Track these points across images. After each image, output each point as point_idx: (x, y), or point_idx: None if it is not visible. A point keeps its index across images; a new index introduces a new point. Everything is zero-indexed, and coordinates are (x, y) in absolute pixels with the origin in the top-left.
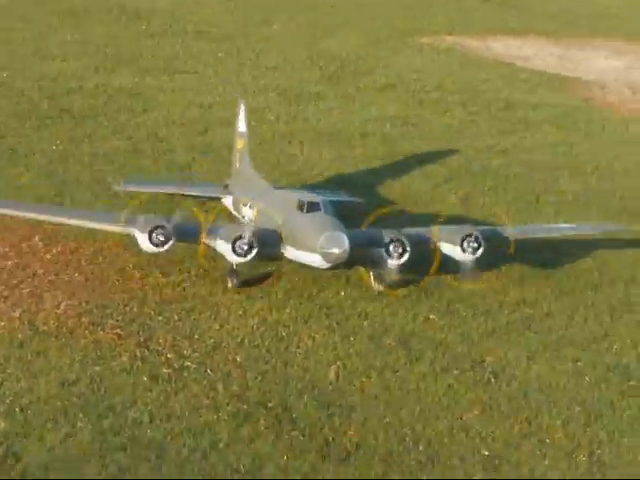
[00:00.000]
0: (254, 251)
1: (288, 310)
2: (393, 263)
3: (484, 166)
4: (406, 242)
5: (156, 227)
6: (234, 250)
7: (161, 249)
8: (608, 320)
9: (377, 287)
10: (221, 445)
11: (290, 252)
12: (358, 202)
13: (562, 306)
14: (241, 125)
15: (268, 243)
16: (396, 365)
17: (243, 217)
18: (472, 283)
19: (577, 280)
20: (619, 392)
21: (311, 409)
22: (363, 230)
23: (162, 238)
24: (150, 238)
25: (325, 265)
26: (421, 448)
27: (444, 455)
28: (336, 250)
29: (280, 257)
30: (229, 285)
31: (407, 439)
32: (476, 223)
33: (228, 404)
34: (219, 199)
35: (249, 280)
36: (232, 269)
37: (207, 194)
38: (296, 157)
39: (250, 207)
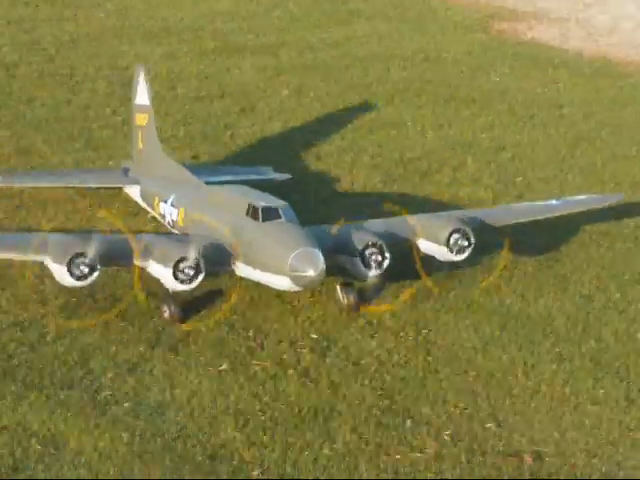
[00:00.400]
0: (200, 276)
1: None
2: (371, 273)
3: (316, 58)
4: (385, 247)
5: (76, 255)
6: (176, 276)
7: (84, 282)
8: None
9: (346, 301)
10: (49, 338)
11: (245, 271)
12: (288, 178)
13: (390, 191)
14: (141, 97)
15: (217, 262)
16: None
17: (162, 216)
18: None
19: (406, 168)
20: (444, 273)
21: (142, 300)
22: (328, 231)
23: (86, 269)
24: (70, 270)
25: (295, 288)
26: (250, 333)
27: (274, 340)
28: (311, 272)
29: (230, 273)
30: (165, 315)
31: (237, 325)
32: (442, 205)
33: (56, 297)
34: (120, 188)
35: (191, 307)
36: (168, 295)
37: (106, 184)
38: (126, 53)
39: (173, 206)
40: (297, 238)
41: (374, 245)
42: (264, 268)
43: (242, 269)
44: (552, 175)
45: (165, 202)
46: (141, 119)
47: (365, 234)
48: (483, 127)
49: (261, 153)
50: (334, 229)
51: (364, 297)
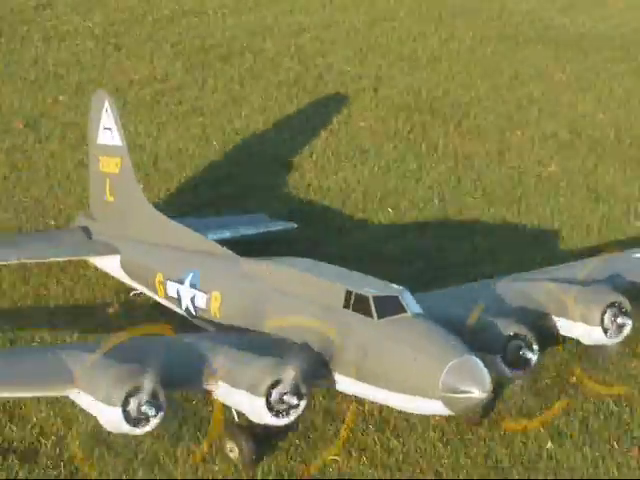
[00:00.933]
0: (303, 404)
1: None
2: (515, 374)
3: None
4: (533, 339)
5: (134, 389)
6: (270, 407)
7: (146, 429)
8: (237, 88)
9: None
10: None
11: (356, 389)
12: (293, 228)
13: (192, 78)
14: (108, 134)
15: (314, 377)
16: (24, 146)
17: (173, 300)
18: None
19: (207, 54)
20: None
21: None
22: (463, 321)
23: (152, 411)
24: (126, 413)
25: (447, 413)
26: (53, 222)
27: None
28: (477, 392)
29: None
30: (232, 455)
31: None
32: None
33: None
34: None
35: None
36: (236, 427)
37: (71, 255)
38: None
39: (195, 287)
40: (444, 342)
41: (519, 337)
42: (395, 387)
43: (350, 386)
44: (352, 54)
45: (178, 282)
46: (109, 165)
47: (506, 321)
48: (283, 11)
49: (59, 46)
50: (472, 318)
51: (490, 405)
